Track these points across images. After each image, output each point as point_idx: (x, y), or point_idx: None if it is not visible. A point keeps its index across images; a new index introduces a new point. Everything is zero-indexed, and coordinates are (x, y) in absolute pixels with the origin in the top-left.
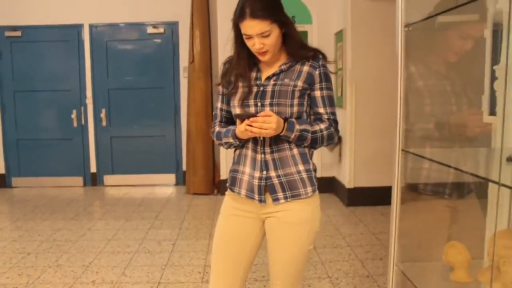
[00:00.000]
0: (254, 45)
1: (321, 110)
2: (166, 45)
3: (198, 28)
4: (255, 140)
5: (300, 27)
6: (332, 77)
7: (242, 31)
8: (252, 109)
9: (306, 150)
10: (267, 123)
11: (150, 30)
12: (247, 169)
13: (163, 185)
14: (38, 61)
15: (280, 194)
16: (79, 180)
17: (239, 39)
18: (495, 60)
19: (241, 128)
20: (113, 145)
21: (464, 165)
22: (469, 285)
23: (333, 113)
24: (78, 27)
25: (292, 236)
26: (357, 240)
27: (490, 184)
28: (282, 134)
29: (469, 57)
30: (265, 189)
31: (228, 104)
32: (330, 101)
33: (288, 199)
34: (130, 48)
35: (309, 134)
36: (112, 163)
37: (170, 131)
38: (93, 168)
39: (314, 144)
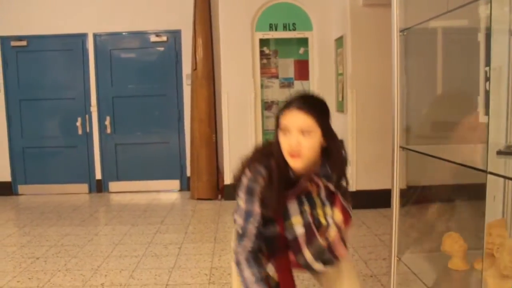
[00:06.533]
0: (290, 142)
1: None
2: (169, 53)
3: (200, 36)
4: None
5: (300, 34)
6: (333, 82)
7: (282, 123)
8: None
9: None
10: None
11: (153, 38)
12: None
13: (167, 191)
14: (43, 70)
15: None
16: (84, 187)
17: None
18: (488, 62)
19: None
20: (117, 152)
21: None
22: (466, 272)
23: None
24: (82, 36)
25: None
26: (360, 242)
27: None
28: None
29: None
30: None
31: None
32: None
33: None
34: (133, 57)
35: None
36: (117, 170)
37: (174, 138)
38: (98, 175)
39: None
